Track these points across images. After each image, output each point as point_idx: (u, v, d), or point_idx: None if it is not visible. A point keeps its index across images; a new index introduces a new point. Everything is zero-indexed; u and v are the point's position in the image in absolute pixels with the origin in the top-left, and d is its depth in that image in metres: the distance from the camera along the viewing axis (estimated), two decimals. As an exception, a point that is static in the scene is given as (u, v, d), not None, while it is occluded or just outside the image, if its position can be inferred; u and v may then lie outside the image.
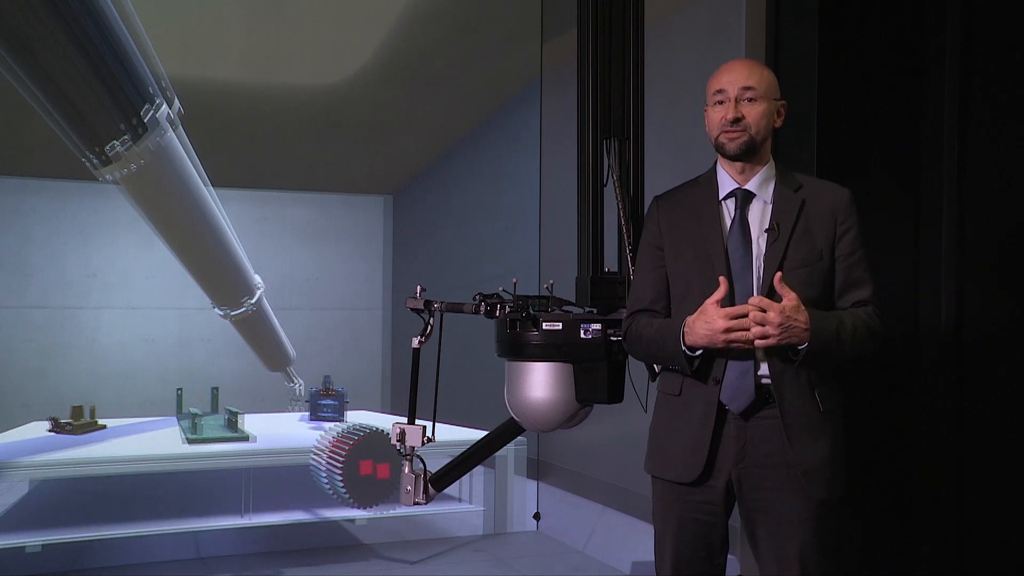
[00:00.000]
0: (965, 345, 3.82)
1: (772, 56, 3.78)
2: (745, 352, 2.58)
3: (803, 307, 2.47)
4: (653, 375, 3.01)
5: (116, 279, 4.25)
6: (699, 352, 2.57)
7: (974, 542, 3.80)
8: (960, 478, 3.85)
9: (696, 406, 2.61)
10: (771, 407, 2.55)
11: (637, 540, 3.73)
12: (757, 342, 2.54)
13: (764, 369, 2.55)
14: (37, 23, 3.94)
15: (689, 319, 2.54)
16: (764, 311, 2.49)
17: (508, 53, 3.82)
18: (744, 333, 2.51)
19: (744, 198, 2.64)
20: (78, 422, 4.43)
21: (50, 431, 4.43)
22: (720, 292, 2.49)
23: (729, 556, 2.80)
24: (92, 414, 4.43)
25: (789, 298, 2.46)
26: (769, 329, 2.43)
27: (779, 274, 2.50)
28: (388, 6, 3.82)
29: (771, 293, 2.57)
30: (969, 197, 3.78)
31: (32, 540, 4.14)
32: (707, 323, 2.55)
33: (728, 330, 2.48)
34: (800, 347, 2.48)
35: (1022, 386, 3.69)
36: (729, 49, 3.81)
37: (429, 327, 3.42)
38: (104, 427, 4.48)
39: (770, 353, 2.57)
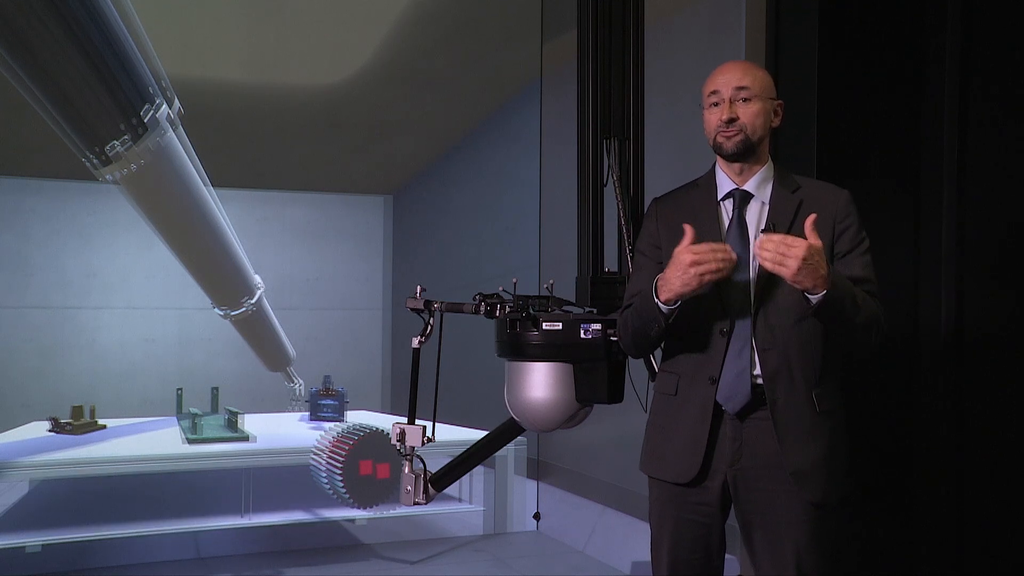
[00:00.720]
0: (965, 345, 3.79)
1: (772, 56, 3.77)
2: (742, 351, 2.52)
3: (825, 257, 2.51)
4: (653, 374, 3.01)
5: (116, 279, 4.25)
6: (677, 305, 2.65)
7: (974, 542, 3.79)
8: (960, 478, 3.85)
9: (692, 406, 2.59)
10: (766, 407, 2.54)
11: (637, 540, 3.73)
12: (768, 265, 2.50)
13: (759, 368, 2.54)
14: (37, 23, 3.93)
15: (660, 275, 2.55)
16: (788, 244, 2.41)
17: (508, 53, 3.82)
18: (716, 264, 2.49)
19: (742, 199, 2.64)
20: (78, 422, 4.43)
21: (50, 431, 4.44)
22: (686, 239, 2.55)
23: (730, 556, 2.80)
24: (92, 414, 4.43)
25: (816, 240, 2.53)
26: (790, 260, 2.44)
27: (813, 216, 2.46)
28: (388, 6, 3.82)
29: (767, 291, 2.55)
30: (969, 197, 3.75)
31: (32, 540, 4.15)
32: (676, 264, 2.59)
33: (696, 263, 2.50)
34: (815, 294, 2.56)
35: (1022, 386, 3.71)
36: (729, 49, 3.82)
37: (429, 327, 3.42)
38: (104, 427, 4.49)
39: (765, 354, 2.55)
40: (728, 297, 2.59)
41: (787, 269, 2.39)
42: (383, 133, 3.95)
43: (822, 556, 2.59)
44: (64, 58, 3.98)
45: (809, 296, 2.45)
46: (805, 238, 2.56)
